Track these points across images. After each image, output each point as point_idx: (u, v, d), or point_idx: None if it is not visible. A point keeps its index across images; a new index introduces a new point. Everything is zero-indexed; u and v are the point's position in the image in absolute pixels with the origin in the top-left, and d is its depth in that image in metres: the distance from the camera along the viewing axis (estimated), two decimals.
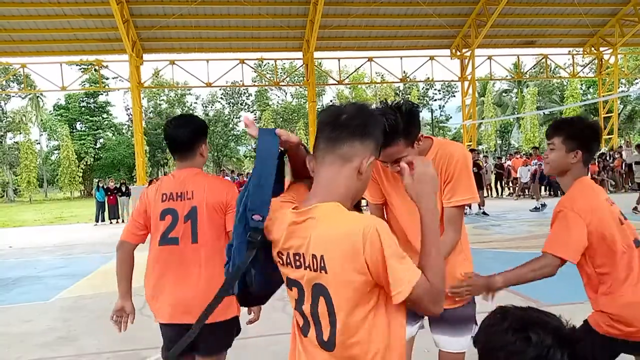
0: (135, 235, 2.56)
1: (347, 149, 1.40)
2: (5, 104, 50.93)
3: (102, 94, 49.60)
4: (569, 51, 24.18)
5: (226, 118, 54.22)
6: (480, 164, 14.46)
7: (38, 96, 47.58)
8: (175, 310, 2.46)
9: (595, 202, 2.27)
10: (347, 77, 30.55)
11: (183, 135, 2.53)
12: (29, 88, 33.61)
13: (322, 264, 1.31)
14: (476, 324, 2.29)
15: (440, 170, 2.13)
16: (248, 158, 56.42)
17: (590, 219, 2.20)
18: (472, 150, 15.57)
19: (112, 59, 19.56)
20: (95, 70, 23.50)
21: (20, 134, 48.55)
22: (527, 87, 47.25)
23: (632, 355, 2.34)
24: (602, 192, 2.39)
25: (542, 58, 23.12)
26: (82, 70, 34.90)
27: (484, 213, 13.60)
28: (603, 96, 22.35)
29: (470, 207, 13.52)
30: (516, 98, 49.51)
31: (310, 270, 1.35)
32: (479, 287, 2.23)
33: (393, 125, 1.85)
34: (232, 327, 2.59)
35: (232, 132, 54.44)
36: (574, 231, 2.19)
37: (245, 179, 19.21)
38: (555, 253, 2.21)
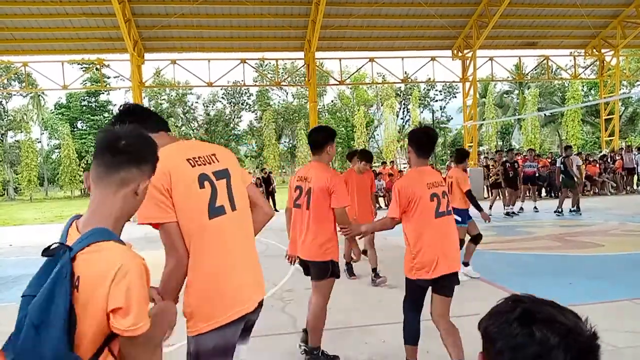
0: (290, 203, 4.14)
1: (125, 174, 1.50)
2: (7, 102, 51.00)
3: (103, 93, 49.67)
4: (571, 52, 24.14)
5: (227, 118, 54.24)
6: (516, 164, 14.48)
7: (39, 95, 47.62)
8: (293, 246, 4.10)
9: (413, 181, 3.45)
10: (349, 77, 30.55)
11: (316, 138, 3.96)
12: (31, 87, 33.69)
13: None
14: None
15: None
16: (249, 158, 56.44)
17: (407, 193, 3.39)
18: (509, 150, 15.71)
19: (114, 58, 19.57)
20: (96, 69, 23.53)
21: (21, 132, 48.56)
22: (528, 89, 47.23)
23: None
24: (427, 176, 3.48)
25: (544, 59, 23.11)
26: (84, 69, 34.94)
27: (515, 212, 13.82)
28: (604, 98, 22.32)
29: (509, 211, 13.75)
30: (517, 99, 49.49)
31: None
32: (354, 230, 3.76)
33: None
34: (326, 266, 3.86)
35: (233, 131, 54.46)
36: (397, 200, 3.43)
37: None
38: (388, 215, 3.52)
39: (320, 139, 3.92)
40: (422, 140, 3.51)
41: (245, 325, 2.22)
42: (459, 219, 6.15)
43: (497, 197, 14.45)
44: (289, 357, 4.16)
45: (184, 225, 2.02)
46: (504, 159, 14.49)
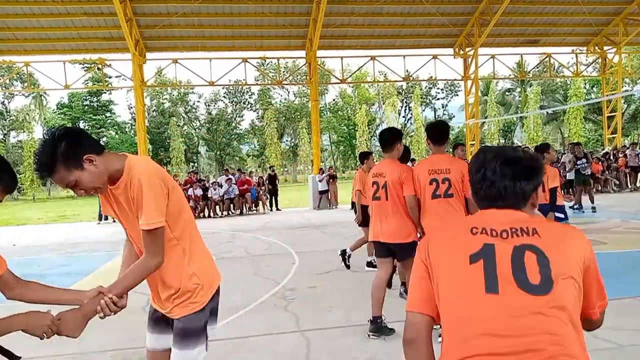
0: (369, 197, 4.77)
1: None
2: (9, 102, 51.12)
3: (105, 93, 49.75)
4: (573, 50, 24.11)
5: (229, 117, 54.24)
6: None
7: (41, 95, 47.72)
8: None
9: (419, 167, 4.43)
10: (350, 75, 30.53)
11: (387, 137, 4.60)
12: (33, 86, 33.76)
13: None
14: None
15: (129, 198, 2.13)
16: (251, 157, 56.44)
17: (415, 175, 4.40)
18: (576, 144, 14.79)
19: (115, 57, 19.60)
20: (98, 69, 23.54)
21: (23, 132, 48.68)
22: (530, 86, 47.15)
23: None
24: (433, 164, 4.29)
25: (546, 57, 23.05)
26: (85, 69, 35.04)
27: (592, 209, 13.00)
28: (606, 95, 22.27)
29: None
30: (519, 97, 49.41)
31: None
32: None
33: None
34: (410, 247, 4.33)
35: (234, 130, 54.46)
36: (412, 180, 4.48)
37: (247, 177, 19.19)
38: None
39: (391, 138, 4.56)
40: (432, 131, 4.42)
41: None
42: (562, 215, 6.01)
43: None
44: (291, 356, 4.16)
45: (182, 218, 2.22)
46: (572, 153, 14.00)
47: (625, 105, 43.64)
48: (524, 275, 1.33)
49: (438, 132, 4.40)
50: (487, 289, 1.35)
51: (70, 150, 1.97)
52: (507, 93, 50.99)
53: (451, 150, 9.11)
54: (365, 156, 7.76)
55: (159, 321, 2.45)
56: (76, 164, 1.99)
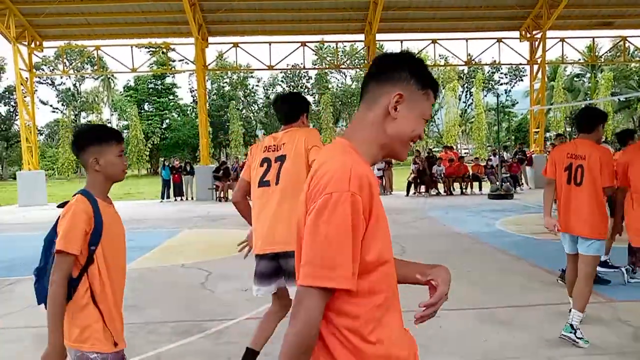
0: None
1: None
2: (80, 84, 53.80)
3: (168, 76, 51.29)
4: None
5: None
6: None
7: (109, 77, 49.87)
8: None
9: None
10: None
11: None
12: (102, 69, 35.31)
13: None
14: None
15: None
16: None
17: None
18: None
19: (179, 41, 20.13)
20: (163, 52, 24.35)
21: (92, 113, 51.21)
22: (601, 72, 44.58)
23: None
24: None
25: (620, 40, 21.65)
26: (151, 52, 36.25)
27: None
28: None
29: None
30: (589, 83, 46.84)
31: None
32: None
33: None
34: None
35: None
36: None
37: None
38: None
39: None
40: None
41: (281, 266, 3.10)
42: None
43: None
44: None
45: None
46: None
47: None
48: None
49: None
50: None
51: None
52: (575, 79, 48.46)
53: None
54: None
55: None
56: None
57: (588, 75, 47.47)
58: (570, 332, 3.91)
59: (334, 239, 1.17)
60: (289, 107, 3.31)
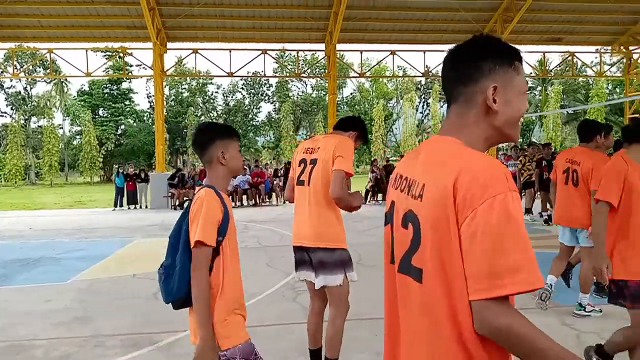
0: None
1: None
2: (31, 88, 51.85)
3: (125, 81, 50.15)
4: (597, 49, 23.59)
5: (246, 108, 54.38)
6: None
7: (63, 81, 48.30)
8: None
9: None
10: (369, 70, 30.35)
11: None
12: (55, 73, 34.19)
13: None
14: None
15: None
16: (266, 149, 56.58)
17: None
18: (546, 145, 13.28)
19: (137, 46, 19.73)
20: (119, 57, 23.74)
21: (44, 118, 49.37)
22: (551, 85, 46.44)
23: None
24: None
25: (569, 56, 22.63)
26: (107, 57, 35.35)
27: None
28: (630, 96, 21.82)
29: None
30: (540, 96, 48.69)
31: None
32: None
33: None
34: None
35: (251, 122, 54.59)
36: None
37: (263, 169, 19.23)
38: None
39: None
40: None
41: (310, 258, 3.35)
42: None
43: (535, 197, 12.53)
44: (299, 344, 4.16)
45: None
46: (540, 155, 12.55)
47: None
48: None
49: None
50: None
51: None
52: (527, 91, 50.31)
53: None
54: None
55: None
56: None
57: (539, 88, 49.35)
58: (580, 310, 4.88)
59: (517, 239, 1.12)
60: (341, 123, 3.67)
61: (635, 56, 21.78)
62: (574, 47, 21.93)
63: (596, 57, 24.77)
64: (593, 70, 25.36)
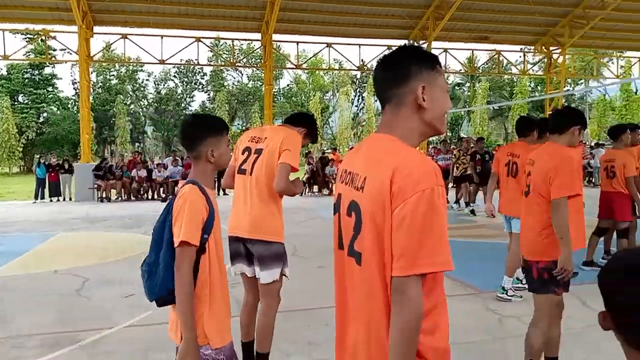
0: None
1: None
2: None
3: (47, 66, 47.24)
4: (521, 49, 24.84)
5: (179, 97, 52.82)
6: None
7: None
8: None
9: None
10: (305, 62, 30.35)
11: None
12: None
13: None
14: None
15: None
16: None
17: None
18: (479, 139, 13.71)
19: (61, 29, 18.61)
20: (41, 40, 22.31)
21: None
22: (479, 82, 48.43)
23: None
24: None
25: (495, 54, 23.68)
26: (27, 39, 33.09)
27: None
28: (550, 94, 23.16)
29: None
30: (468, 92, 50.67)
31: None
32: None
33: None
34: None
35: (184, 111, 53.09)
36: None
37: None
38: None
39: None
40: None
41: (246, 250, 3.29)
42: None
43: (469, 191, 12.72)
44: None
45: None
46: (473, 149, 13.03)
47: (566, 104, 45.54)
48: None
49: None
50: None
51: None
52: (456, 87, 52.15)
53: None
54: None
55: None
56: None
57: (468, 84, 51.35)
58: (503, 293, 5.12)
59: (437, 228, 1.30)
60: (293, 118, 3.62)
61: (555, 56, 23.11)
62: (500, 46, 22.98)
63: (520, 57, 26.05)
64: (517, 69, 26.68)
